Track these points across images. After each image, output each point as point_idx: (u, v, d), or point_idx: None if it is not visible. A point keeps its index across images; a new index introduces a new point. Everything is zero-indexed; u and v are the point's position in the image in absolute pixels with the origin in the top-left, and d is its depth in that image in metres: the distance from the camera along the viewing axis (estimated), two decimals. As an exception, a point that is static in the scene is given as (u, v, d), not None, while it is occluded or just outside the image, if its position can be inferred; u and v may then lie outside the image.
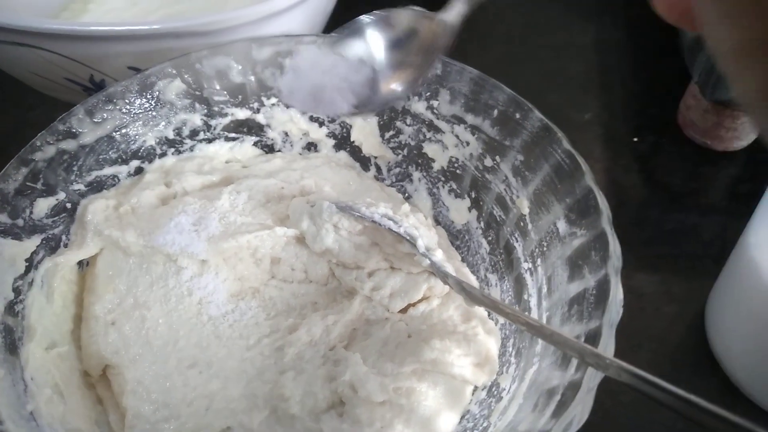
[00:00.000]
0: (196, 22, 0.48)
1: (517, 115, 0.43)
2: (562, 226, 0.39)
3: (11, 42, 0.50)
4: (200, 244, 0.43)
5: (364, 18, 0.38)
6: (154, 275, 0.44)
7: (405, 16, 0.37)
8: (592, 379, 0.30)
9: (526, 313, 0.41)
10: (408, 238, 0.41)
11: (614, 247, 0.35)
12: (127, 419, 0.38)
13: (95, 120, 0.45)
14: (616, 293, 0.33)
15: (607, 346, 0.31)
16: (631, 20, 0.80)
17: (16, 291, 0.39)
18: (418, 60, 0.36)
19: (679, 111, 0.65)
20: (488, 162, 0.46)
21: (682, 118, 0.64)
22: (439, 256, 0.41)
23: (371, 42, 0.37)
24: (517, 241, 0.44)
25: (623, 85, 0.72)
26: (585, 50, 0.76)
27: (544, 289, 0.40)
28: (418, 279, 0.42)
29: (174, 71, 0.48)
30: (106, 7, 0.70)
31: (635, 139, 0.65)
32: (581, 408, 0.29)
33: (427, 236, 0.43)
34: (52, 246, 0.43)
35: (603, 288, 0.34)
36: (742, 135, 0.61)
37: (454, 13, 0.36)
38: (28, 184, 0.42)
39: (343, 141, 0.52)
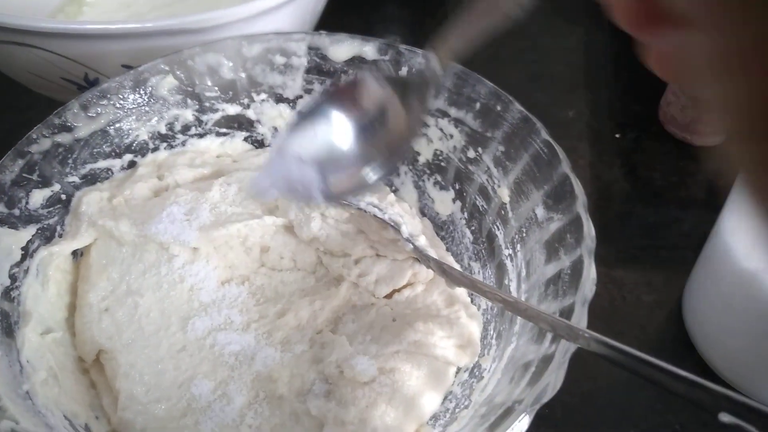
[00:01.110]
0: (188, 20, 0.49)
1: (498, 108, 0.45)
2: (540, 212, 0.41)
3: (9, 41, 0.52)
4: (192, 232, 0.44)
5: (326, 99, 0.38)
6: (147, 263, 0.45)
7: (373, 92, 0.37)
8: (565, 351, 0.32)
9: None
10: (392, 224, 0.42)
11: (588, 229, 0.36)
12: (120, 401, 0.40)
13: (89, 114, 0.47)
14: (589, 272, 0.34)
15: (579, 320, 0.32)
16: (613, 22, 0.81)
17: (12, 278, 0.40)
18: (386, 149, 0.37)
19: (660, 107, 0.66)
20: (471, 154, 0.47)
21: (663, 114, 0.66)
22: (422, 241, 0.42)
23: (334, 130, 0.38)
24: (498, 229, 0.45)
25: (607, 84, 0.74)
26: (570, 52, 0.78)
27: (523, 273, 0.41)
28: (403, 265, 0.44)
29: (167, 68, 0.49)
30: (100, 10, 0.71)
31: (617, 136, 0.67)
32: (554, 377, 0.31)
33: (411, 224, 0.44)
34: (47, 236, 0.44)
35: (577, 268, 0.35)
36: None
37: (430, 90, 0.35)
38: (24, 175, 0.43)
39: (331, 136, 0.54)
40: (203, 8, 0.68)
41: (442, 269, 0.39)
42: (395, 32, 0.83)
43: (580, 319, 0.33)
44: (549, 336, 0.34)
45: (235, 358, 0.41)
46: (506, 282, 0.43)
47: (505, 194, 0.44)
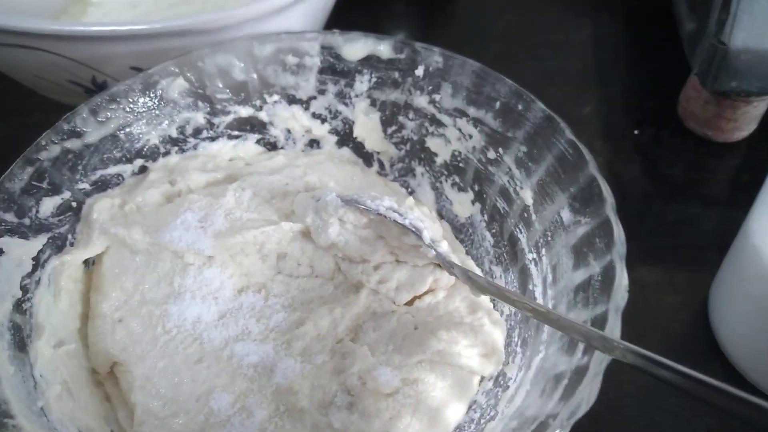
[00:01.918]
0: (198, 20, 0.48)
1: (520, 107, 0.44)
2: (566, 215, 0.39)
3: (14, 44, 0.50)
4: (206, 240, 0.43)
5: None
6: (161, 272, 0.44)
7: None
8: (599, 362, 0.30)
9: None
10: (413, 230, 0.41)
11: (618, 233, 0.35)
12: (136, 415, 0.38)
13: (99, 119, 0.45)
14: (622, 278, 0.33)
15: (613, 330, 0.31)
16: (628, 15, 0.80)
17: (24, 289, 0.39)
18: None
19: (679, 103, 0.65)
20: (491, 154, 0.46)
21: (683, 109, 0.64)
22: (444, 247, 0.41)
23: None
24: (521, 233, 0.44)
25: (622, 79, 0.73)
26: (583, 47, 0.77)
27: (549, 278, 0.40)
28: (424, 271, 0.43)
29: (176, 70, 0.48)
30: (105, 10, 0.70)
31: (636, 132, 0.65)
32: (589, 391, 0.30)
33: (432, 229, 0.43)
34: (59, 245, 0.43)
35: (608, 274, 0.34)
36: (743, 125, 0.61)
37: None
38: (33, 183, 0.42)
39: (345, 137, 0.53)
40: (210, 8, 0.67)
41: (467, 276, 0.38)
42: (404, 29, 0.82)
43: (613, 328, 0.31)
44: (581, 346, 0.32)
45: (254, 370, 0.40)
46: (530, 287, 0.42)
47: (528, 196, 0.43)
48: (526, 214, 0.43)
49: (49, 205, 0.43)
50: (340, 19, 0.61)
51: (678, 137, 0.64)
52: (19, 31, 0.48)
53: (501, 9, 0.82)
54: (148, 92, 0.47)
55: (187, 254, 0.43)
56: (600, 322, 0.32)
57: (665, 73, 0.70)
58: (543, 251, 0.41)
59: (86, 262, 0.45)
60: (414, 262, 0.43)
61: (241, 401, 0.39)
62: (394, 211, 0.42)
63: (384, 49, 0.48)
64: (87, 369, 0.41)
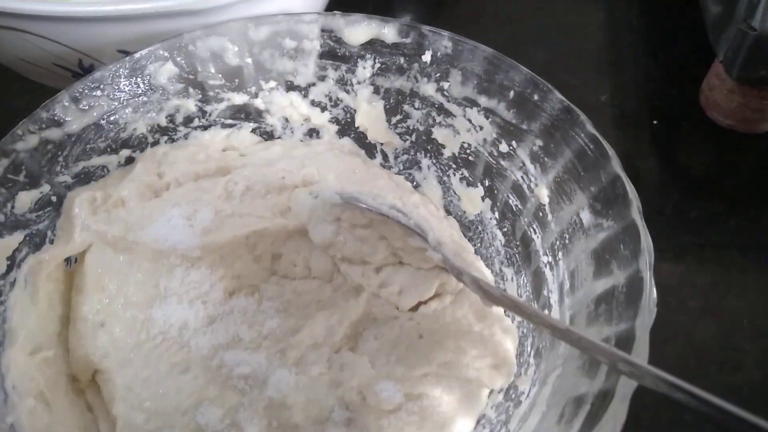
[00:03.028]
0: (188, 0, 0.45)
1: (536, 97, 0.40)
2: (586, 216, 0.36)
3: None
4: (194, 239, 0.40)
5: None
6: (146, 273, 0.41)
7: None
8: (626, 387, 0.27)
9: (546, 311, 0.38)
10: (419, 231, 0.38)
11: (646, 240, 0.32)
12: (118, 429, 0.36)
13: (81, 107, 0.42)
14: (650, 292, 0.30)
15: (641, 351, 0.28)
16: None
17: (-3, 292, 0.36)
18: None
19: (701, 92, 0.61)
20: (503, 147, 0.42)
21: (705, 99, 0.60)
22: (451, 250, 0.38)
23: None
24: (535, 233, 0.41)
25: (639, 65, 0.69)
26: (597, 29, 0.73)
27: (567, 285, 0.37)
28: (429, 275, 0.39)
29: (166, 54, 0.45)
30: None
31: (654, 122, 0.62)
32: (615, 418, 0.27)
33: (439, 229, 0.40)
34: (37, 242, 0.40)
35: (635, 286, 0.31)
36: (770, 116, 0.57)
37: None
38: (9, 176, 0.38)
39: (346, 127, 0.49)
40: None
41: (477, 285, 0.34)
42: (411, 10, 0.78)
43: (641, 350, 0.28)
44: (604, 366, 0.29)
45: (244, 382, 0.37)
46: (545, 293, 0.39)
47: (543, 194, 0.39)
48: (541, 214, 0.40)
49: (26, 200, 0.40)
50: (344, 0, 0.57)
51: (699, 128, 0.61)
52: (1, 11, 0.45)
53: None
54: (134, 78, 0.44)
55: (173, 255, 0.40)
56: (625, 340, 0.29)
57: (686, 59, 0.66)
58: (560, 255, 0.38)
59: (68, 260, 0.42)
60: (418, 265, 0.40)
61: (230, 416, 0.36)
62: (398, 211, 0.38)
63: (389, 32, 0.45)
64: (67, 376, 0.39)
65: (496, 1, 0.77)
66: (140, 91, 0.45)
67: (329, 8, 0.56)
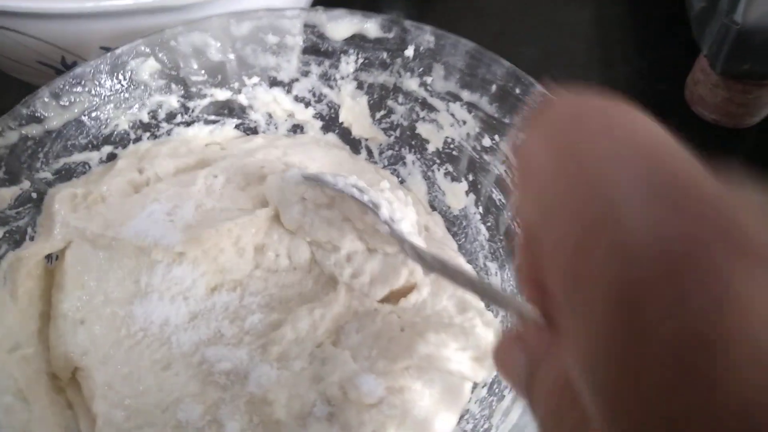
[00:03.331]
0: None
1: (518, 90, 0.40)
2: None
3: None
4: (176, 234, 0.40)
5: None
6: (126, 269, 0.41)
7: None
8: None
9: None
10: (370, 206, 0.37)
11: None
12: (98, 427, 0.35)
13: (62, 103, 0.42)
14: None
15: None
16: None
17: (-25, 289, 0.36)
18: None
19: (686, 86, 0.61)
20: (486, 142, 0.42)
21: (690, 94, 0.61)
22: (405, 226, 0.38)
23: None
24: (518, 227, 0.41)
25: (627, 61, 0.69)
26: (585, 26, 0.73)
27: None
28: (396, 262, 0.39)
29: (147, 50, 0.44)
30: None
31: (641, 117, 0.62)
32: None
33: (401, 211, 0.39)
34: (17, 239, 0.40)
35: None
36: (754, 111, 0.57)
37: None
38: (-13, 172, 0.38)
39: (331, 122, 0.49)
40: None
41: (415, 252, 0.34)
42: (397, 5, 0.78)
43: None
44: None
45: (226, 377, 0.36)
46: (528, 287, 0.39)
47: (525, 188, 0.39)
48: (523, 208, 0.40)
49: (5, 196, 0.39)
50: None
51: (686, 123, 0.61)
52: None
53: None
54: (116, 74, 0.44)
55: (154, 251, 0.40)
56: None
57: (672, 54, 0.66)
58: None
59: (48, 257, 0.42)
60: (383, 249, 0.39)
61: (211, 412, 0.35)
62: (354, 187, 0.38)
63: (371, 27, 0.45)
64: (47, 374, 0.38)
65: None
66: (122, 88, 0.44)
67: (315, 3, 0.56)
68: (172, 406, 0.36)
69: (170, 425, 0.35)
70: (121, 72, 0.44)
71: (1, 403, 0.33)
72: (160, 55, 0.45)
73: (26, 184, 0.41)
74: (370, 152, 0.49)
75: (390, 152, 0.49)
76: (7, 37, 0.48)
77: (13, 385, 0.35)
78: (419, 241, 0.37)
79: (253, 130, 0.50)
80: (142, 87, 0.45)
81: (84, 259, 0.41)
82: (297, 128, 0.50)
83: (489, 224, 0.44)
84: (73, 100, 0.42)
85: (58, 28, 0.47)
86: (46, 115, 0.41)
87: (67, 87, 0.42)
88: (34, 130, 0.41)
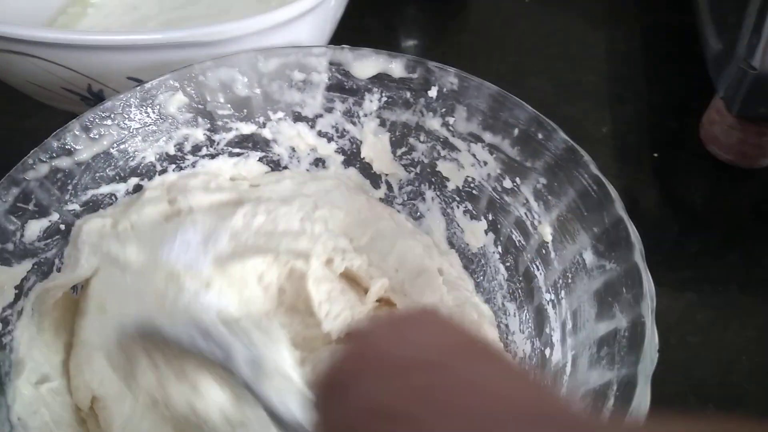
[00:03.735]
0: (200, 32, 0.45)
1: (540, 135, 0.41)
2: (588, 257, 0.37)
3: (6, 50, 0.48)
4: (206, 262, 0.40)
5: None
6: (153, 295, 0.41)
7: None
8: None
9: (548, 350, 0.38)
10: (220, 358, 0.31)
11: (648, 285, 0.32)
12: None
13: (92, 136, 0.43)
14: (652, 338, 0.30)
15: (641, 400, 0.28)
16: (646, 29, 0.77)
17: (4, 321, 0.37)
18: None
19: (701, 125, 0.62)
20: (507, 183, 0.43)
21: (705, 133, 0.61)
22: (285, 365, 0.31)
23: None
24: (538, 270, 0.41)
25: (640, 96, 0.70)
26: (599, 60, 0.74)
27: (569, 325, 0.37)
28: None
29: (176, 84, 0.45)
30: (105, 11, 0.67)
31: (655, 155, 0.62)
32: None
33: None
34: (44, 271, 0.41)
35: (637, 331, 0.31)
36: (769, 152, 0.58)
37: None
38: (19, 205, 0.39)
39: (352, 157, 0.50)
40: (214, 13, 0.64)
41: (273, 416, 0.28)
42: (415, 36, 0.79)
43: (643, 397, 0.29)
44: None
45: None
46: (547, 330, 0.39)
47: (546, 232, 0.40)
48: (544, 251, 0.41)
49: (35, 229, 0.40)
50: (350, 25, 0.58)
51: (699, 161, 0.61)
52: (10, 37, 0.46)
53: (514, 17, 0.79)
54: (145, 107, 0.45)
55: (183, 276, 0.40)
56: (626, 385, 0.30)
57: (686, 92, 0.67)
58: (562, 293, 0.38)
59: (74, 288, 0.43)
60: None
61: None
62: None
63: (396, 67, 0.45)
64: (72, 407, 0.39)
65: (498, 29, 0.78)
66: (150, 120, 0.45)
67: (334, 38, 0.57)
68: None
69: None
70: (150, 105, 0.45)
71: (29, 437, 0.34)
72: (188, 89, 0.46)
73: (55, 216, 0.41)
74: (389, 187, 0.50)
75: (410, 188, 0.49)
76: (35, 65, 0.49)
77: (40, 419, 0.35)
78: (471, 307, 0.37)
79: (276, 163, 0.51)
80: (170, 120, 0.46)
81: (109, 284, 0.41)
82: (319, 162, 0.51)
83: (508, 264, 0.44)
84: (102, 132, 0.43)
85: (87, 58, 0.48)
86: (77, 147, 0.42)
87: (97, 120, 0.43)
88: (64, 162, 0.42)
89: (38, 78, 0.51)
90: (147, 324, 0.33)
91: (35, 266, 0.40)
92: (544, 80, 0.70)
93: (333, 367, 0.20)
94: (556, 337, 0.38)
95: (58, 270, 0.41)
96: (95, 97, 0.53)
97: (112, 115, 0.44)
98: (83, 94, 0.53)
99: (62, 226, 0.42)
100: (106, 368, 0.39)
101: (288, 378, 0.29)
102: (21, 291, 0.39)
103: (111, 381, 0.38)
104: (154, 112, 0.45)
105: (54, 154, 0.41)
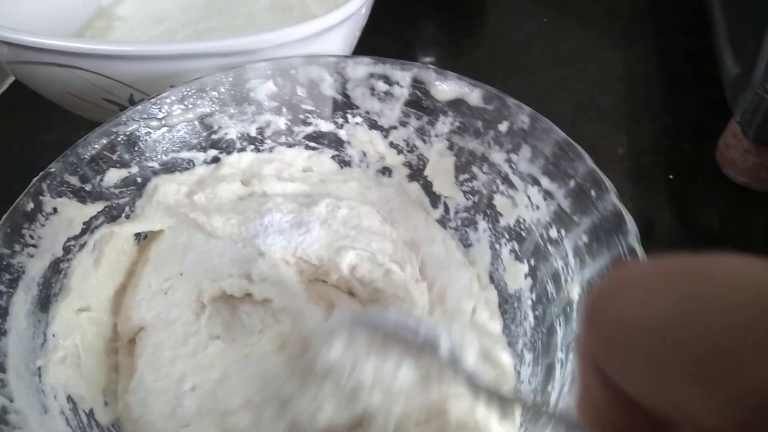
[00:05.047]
0: (245, 41, 0.47)
1: (593, 193, 0.40)
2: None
3: (49, 63, 0.48)
4: (292, 247, 0.46)
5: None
6: (227, 256, 0.47)
7: None
8: None
9: (544, 408, 0.37)
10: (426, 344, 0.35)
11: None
12: (132, 382, 0.40)
13: (184, 105, 0.47)
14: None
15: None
16: (663, 50, 0.74)
17: (66, 250, 0.42)
18: None
19: (717, 149, 0.59)
20: (553, 233, 0.42)
21: (721, 156, 0.58)
22: (470, 359, 0.35)
23: None
24: (559, 326, 0.40)
25: (656, 118, 0.67)
26: (616, 81, 0.71)
27: (566, 388, 0.36)
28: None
29: (269, 72, 0.48)
30: (131, 25, 0.68)
31: (670, 176, 0.59)
32: None
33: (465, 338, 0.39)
34: (114, 215, 0.45)
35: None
36: (786, 177, 0.54)
37: None
38: (105, 153, 0.44)
39: (417, 173, 0.51)
40: (238, 23, 0.66)
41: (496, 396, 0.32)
42: (432, 54, 0.79)
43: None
44: None
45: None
46: (549, 389, 0.38)
47: (575, 292, 0.39)
48: (568, 309, 0.39)
49: (114, 176, 0.45)
50: (368, 42, 0.59)
51: (715, 184, 0.58)
52: (56, 50, 0.47)
53: (531, 37, 0.78)
54: (236, 89, 0.49)
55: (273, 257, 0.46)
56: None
57: (702, 114, 0.64)
58: (570, 356, 0.37)
59: (137, 236, 0.47)
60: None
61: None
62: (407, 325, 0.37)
63: (474, 96, 0.46)
64: (105, 337, 0.43)
65: (515, 48, 0.77)
66: (238, 102, 0.49)
67: (357, 50, 0.58)
68: (186, 392, 0.40)
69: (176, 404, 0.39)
70: (242, 88, 0.49)
71: (57, 355, 0.38)
72: (278, 79, 0.49)
73: (135, 169, 0.46)
74: (446, 209, 0.51)
75: (465, 214, 0.50)
76: (78, 75, 0.49)
77: (72, 341, 0.40)
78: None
79: (346, 163, 0.53)
80: (257, 104, 0.49)
81: (190, 244, 0.47)
82: (386, 170, 0.52)
83: (537, 313, 0.44)
84: (194, 103, 0.48)
85: (130, 68, 0.49)
86: (168, 112, 0.47)
87: (191, 93, 0.47)
88: (153, 123, 0.46)
89: (80, 89, 0.51)
90: (374, 317, 0.39)
91: (106, 209, 0.45)
92: (559, 100, 0.69)
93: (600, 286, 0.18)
94: (553, 397, 0.37)
95: (127, 217, 0.46)
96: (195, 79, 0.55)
97: (206, 90, 0.48)
98: (124, 104, 0.53)
99: (139, 179, 0.47)
100: (165, 304, 0.44)
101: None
102: (88, 228, 0.44)
103: (165, 314, 0.44)
104: (244, 95, 0.49)
105: (146, 116, 0.46)
